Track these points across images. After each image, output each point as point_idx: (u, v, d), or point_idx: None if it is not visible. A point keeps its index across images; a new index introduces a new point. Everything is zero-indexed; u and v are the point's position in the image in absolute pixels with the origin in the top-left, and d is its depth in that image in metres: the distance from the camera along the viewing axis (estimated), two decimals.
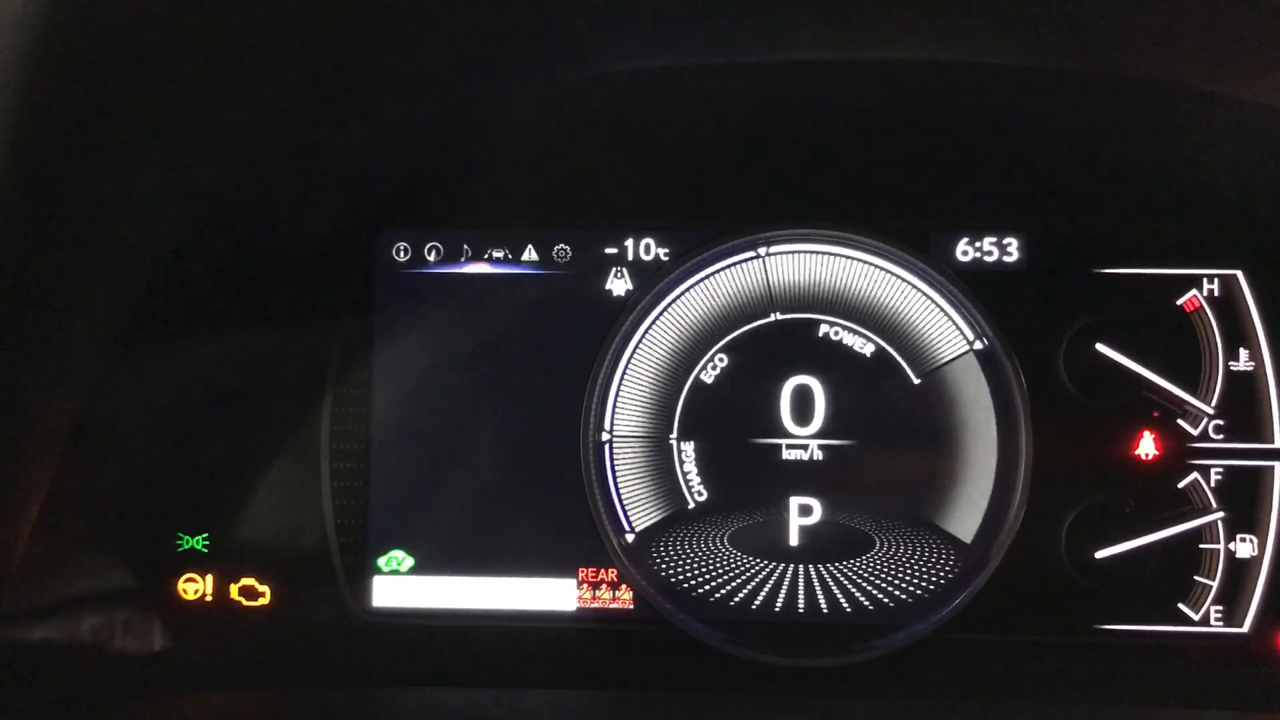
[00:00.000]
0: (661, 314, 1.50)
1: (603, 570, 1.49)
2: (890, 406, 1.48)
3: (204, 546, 1.50)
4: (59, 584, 1.33)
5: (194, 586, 1.50)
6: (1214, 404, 1.44)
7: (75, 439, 1.20)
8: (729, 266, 1.50)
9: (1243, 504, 1.43)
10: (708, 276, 1.50)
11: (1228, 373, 1.44)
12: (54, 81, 0.93)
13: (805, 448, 1.48)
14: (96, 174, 1.05)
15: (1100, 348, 1.44)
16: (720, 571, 1.49)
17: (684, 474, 1.49)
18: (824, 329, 1.49)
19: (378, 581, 1.50)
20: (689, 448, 1.50)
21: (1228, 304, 1.44)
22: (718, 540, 1.49)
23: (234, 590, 1.50)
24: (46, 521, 1.19)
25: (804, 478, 1.48)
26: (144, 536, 1.47)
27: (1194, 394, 1.43)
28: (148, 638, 1.46)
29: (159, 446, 1.46)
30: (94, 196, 1.06)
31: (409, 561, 1.50)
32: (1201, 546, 1.43)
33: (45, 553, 1.24)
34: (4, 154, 0.93)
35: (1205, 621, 1.43)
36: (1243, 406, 1.44)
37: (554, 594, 1.49)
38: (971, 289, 1.47)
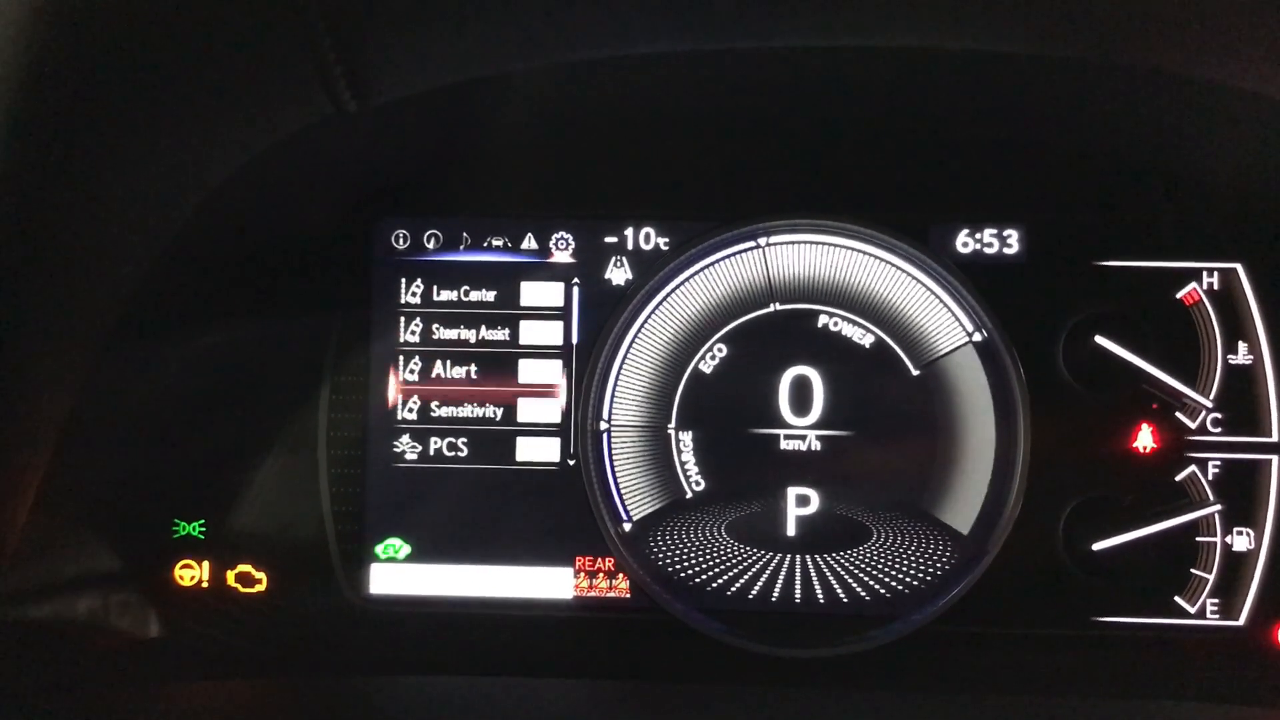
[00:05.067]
0: (661, 304, 1.50)
1: (600, 559, 1.49)
2: (889, 398, 1.48)
3: (200, 533, 1.50)
4: (55, 569, 1.33)
5: (190, 573, 1.50)
6: (1212, 397, 1.44)
7: (73, 425, 1.20)
8: (729, 256, 1.50)
9: (1240, 497, 1.44)
10: (707, 266, 1.50)
11: (1226, 366, 1.44)
12: (49, 72, 0.92)
13: (803, 438, 1.48)
14: (95, 163, 1.04)
15: (1099, 340, 1.44)
16: (717, 561, 1.49)
17: (682, 464, 1.49)
18: (823, 320, 1.49)
19: (375, 569, 1.50)
20: (687, 437, 1.49)
21: (1227, 297, 1.44)
22: (715, 530, 1.49)
23: (230, 577, 1.50)
24: (43, 506, 1.19)
25: (802, 468, 1.48)
26: (140, 522, 1.47)
27: (1193, 387, 1.44)
28: (143, 624, 1.46)
29: (156, 433, 1.46)
30: (91, 187, 1.06)
31: (406, 549, 1.50)
32: (1198, 539, 1.44)
33: (42, 538, 1.24)
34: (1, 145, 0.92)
35: (1201, 614, 1.44)
36: (1241, 400, 1.44)
37: (551, 582, 1.49)
38: (971, 280, 1.47)
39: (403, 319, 1.52)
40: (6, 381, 1.07)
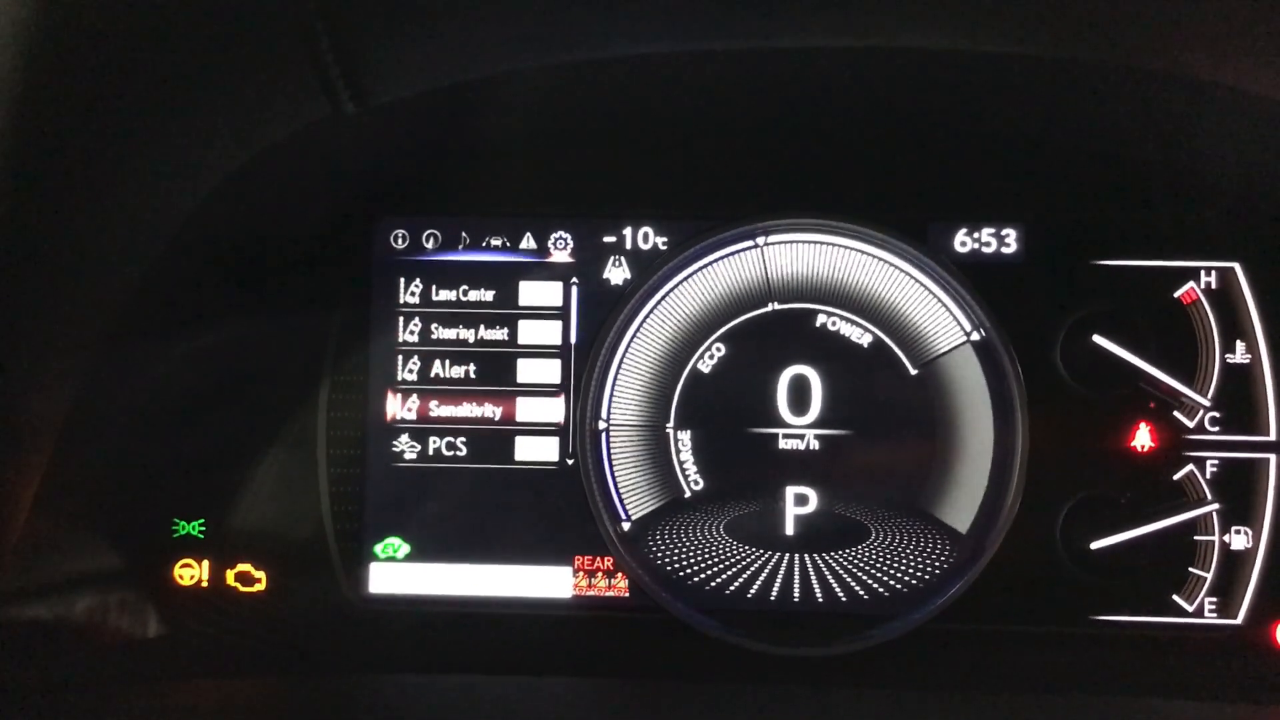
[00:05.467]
0: (659, 303, 1.50)
1: (599, 558, 1.49)
2: (887, 397, 1.48)
3: (200, 532, 1.50)
4: (55, 568, 1.33)
5: (190, 572, 1.50)
6: (1210, 396, 1.44)
7: (72, 424, 1.20)
8: (727, 256, 1.50)
9: (1238, 496, 1.44)
10: (706, 266, 1.50)
11: (1224, 365, 1.44)
12: (48, 73, 0.92)
13: (802, 437, 1.48)
14: (95, 163, 1.04)
15: (1097, 339, 1.44)
16: (716, 560, 1.49)
17: (680, 463, 1.50)
18: (821, 319, 1.49)
19: (374, 568, 1.51)
20: (686, 437, 1.50)
21: (1225, 297, 1.45)
22: (714, 529, 1.49)
23: (230, 576, 1.50)
24: (43, 505, 1.19)
25: (800, 467, 1.48)
26: (140, 522, 1.47)
27: (1190, 386, 1.44)
28: (143, 623, 1.47)
29: (156, 432, 1.46)
30: (91, 187, 1.06)
31: (405, 548, 1.51)
32: (1196, 538, 1.44)
33: (41, 537, 1.24)
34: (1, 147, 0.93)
35: (1199, 613, 1.44)
36: (1239, 399, 1.44)
37: (550, 581, 1.49)
38: (969, 280, 1.47)
39: (401, 318, 1.52)
40: (6, 381, 1.07)
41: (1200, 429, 1.44)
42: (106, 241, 1.16)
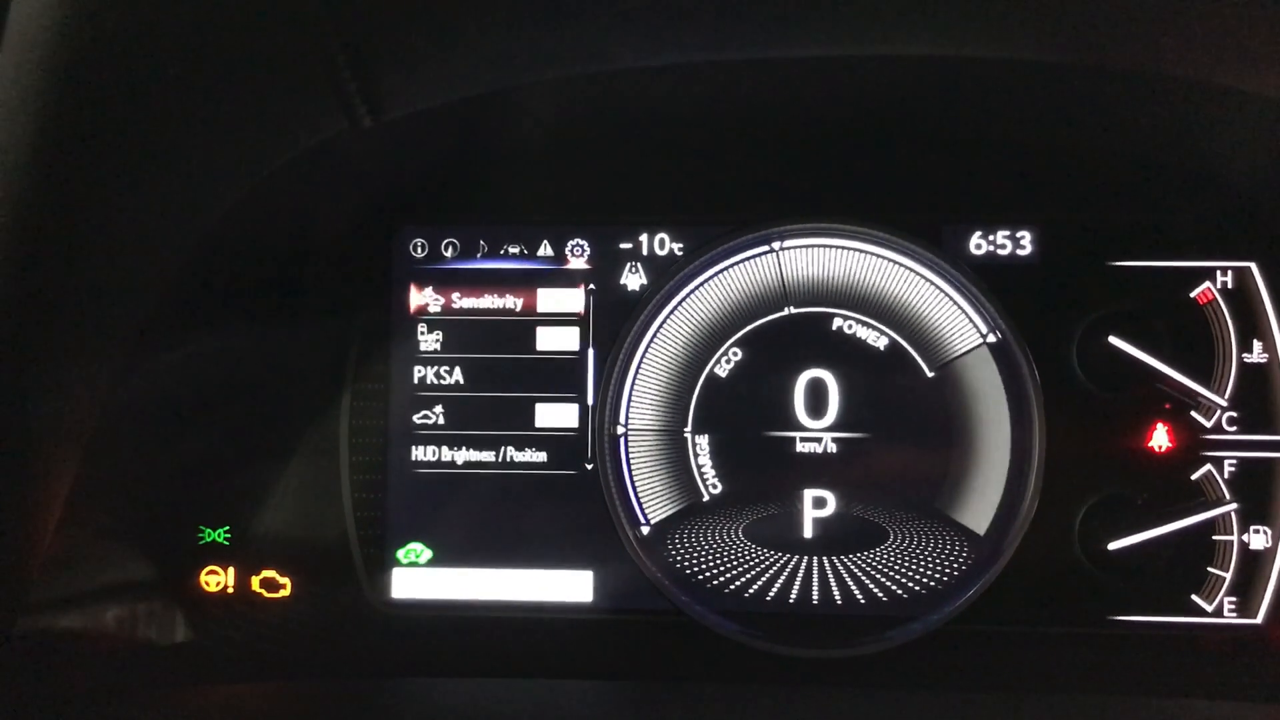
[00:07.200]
0: (676, 308, 1.51)
1: (618, 562, 1.50)
2: (904, 399, 1.48)
3: (225, 539, 1.52)
4: (84, 576, 1.35)
5: (216, 579, 1.52)
6: (1227, 396, 1.44)
7: (99, 433, 1.21)
8: (743, 261, 1.51)
9: (1256, 495, 1.43)
10: (722, 271, 1.51)
11: (1241, 365, 1.44)
12: (73, 83, 0.94)
13: (819, 441, 1.49)
14: (118, 173, 1.06)
15: (1113, 340, 1.44)
16: (735, 563, 1.50)
17: (699, 467, 1.50)
18: (838, 322, 1.50)
19: (397, 574, 1.52)
20: (704, 441, 1.51)
21: (1241, 296, 1.44)
22: (732, 532, 1.50)
23: (255, 582, 1.52)
24: (71, 515, 1.21)
25: (818, 470, 1.49)
26: (166, 530, 1.49)
27: (1207, 386, 1.44)
28: (170, 629, 1.49)
29: (181, 440, 1.47)
30: (114, 196, 1.07)
31: (427, 554, 1.52)
32: (1215, 538, 1.44)
33: (70, 546, 1.26)
34: (27, 154, 0.94)
35: (1219, 613, 1.44)
36: (1256, 398, 1.44)
37: (570, 586, 1.50)
38: (985, 282, 1.47)
39: (422, 326, 1.53)
40: (36, 395, 1.09)
41: (1218, 429, 1.44)
42: (130, 253, 1.17)
